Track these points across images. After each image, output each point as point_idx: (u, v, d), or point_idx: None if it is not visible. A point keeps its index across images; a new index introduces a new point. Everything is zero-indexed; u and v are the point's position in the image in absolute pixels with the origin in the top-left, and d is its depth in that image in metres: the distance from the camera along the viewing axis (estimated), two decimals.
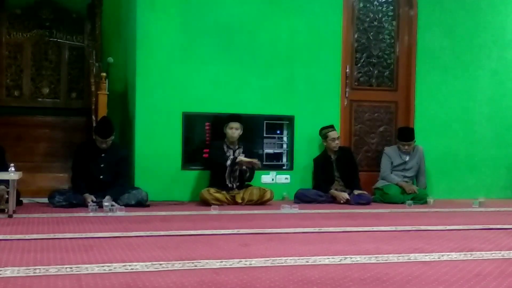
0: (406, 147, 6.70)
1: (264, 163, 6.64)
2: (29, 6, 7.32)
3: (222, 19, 6.46)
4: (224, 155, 6.02)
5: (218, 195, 5.81)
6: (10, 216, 4.56)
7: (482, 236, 4.00)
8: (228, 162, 5.95)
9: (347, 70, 6.89)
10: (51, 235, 3.70)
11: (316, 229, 4.17)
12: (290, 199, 6.32)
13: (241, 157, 5.96)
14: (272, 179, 6.60)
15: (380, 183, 6.64)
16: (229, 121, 6.07)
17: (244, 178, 6.05)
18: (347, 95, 6.91)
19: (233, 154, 6.05)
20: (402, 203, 6.20)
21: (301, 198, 6.20)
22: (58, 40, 7.34)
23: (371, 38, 7.11)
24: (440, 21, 7.17)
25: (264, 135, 6.68)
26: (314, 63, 6.72)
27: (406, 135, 6.70)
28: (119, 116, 6.96)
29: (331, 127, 6.49)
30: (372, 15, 7.12)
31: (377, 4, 7.14)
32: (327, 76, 6.78)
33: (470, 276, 2.69)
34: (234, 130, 6.04)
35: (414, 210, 5.75)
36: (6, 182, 4.70)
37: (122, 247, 3.31)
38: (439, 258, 3.13)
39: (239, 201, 5.87)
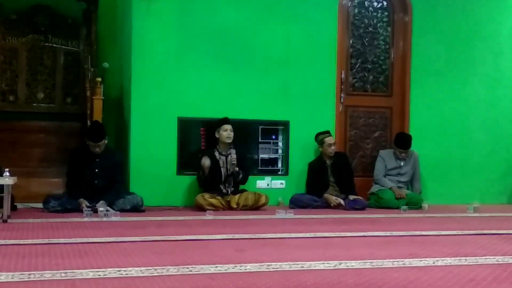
0: (403, 154, 6.71)
1: (259, 168, 6.67)
2: (24, 11, 7.29)
3: (218, 25, 6.47)
4: (216, 166, 5.99)
5: (213, 200, 5.80)
6: (4, 221, 4.55)
7: (476, 241, 4.00)
8: (222, 170, 5.99)
9: (342, 76, 6.91)
10: (46, 240, 3.68)
11: (311, 234, 4.17)
12: (285, 204, 6.33)
13: None
14: (267, 184, 6.61)
15: (375, 188, 6.65)
16: (222, 124, 6.07)
17: (237, 180, 6.06)
18: (342, 101, 6.92)
19: (226, 160, 6.04)
20: (397, 208, 6.19)
21: (296, 203, 6.20)
22: (54, 45, 7.32)
23: (366, 44, 7.13)
24: (435, 27, 7.21)
25: (259, 140, 6.70)
26: (309, 69, 6.74)
27: (404, 142, 6.69)
28: (114, 121, 6.95)
29: (328, 132, 6.49)
30: (367, 21, 7.15)
31: (372, 10, 7.17)
32: (322, 82, 6.80)
33: (465, 282, 2.69)
34: (229, 132, 6.03)
35: (408, 215, 5.76)
36: (0, 187, 4.68)
37: (117, 252, 3.30)
38: (433, 264, 3.13)
39: (234, 206, 5.87)
